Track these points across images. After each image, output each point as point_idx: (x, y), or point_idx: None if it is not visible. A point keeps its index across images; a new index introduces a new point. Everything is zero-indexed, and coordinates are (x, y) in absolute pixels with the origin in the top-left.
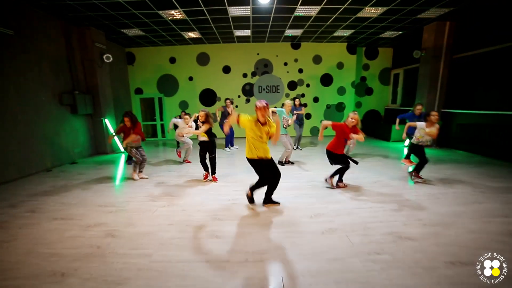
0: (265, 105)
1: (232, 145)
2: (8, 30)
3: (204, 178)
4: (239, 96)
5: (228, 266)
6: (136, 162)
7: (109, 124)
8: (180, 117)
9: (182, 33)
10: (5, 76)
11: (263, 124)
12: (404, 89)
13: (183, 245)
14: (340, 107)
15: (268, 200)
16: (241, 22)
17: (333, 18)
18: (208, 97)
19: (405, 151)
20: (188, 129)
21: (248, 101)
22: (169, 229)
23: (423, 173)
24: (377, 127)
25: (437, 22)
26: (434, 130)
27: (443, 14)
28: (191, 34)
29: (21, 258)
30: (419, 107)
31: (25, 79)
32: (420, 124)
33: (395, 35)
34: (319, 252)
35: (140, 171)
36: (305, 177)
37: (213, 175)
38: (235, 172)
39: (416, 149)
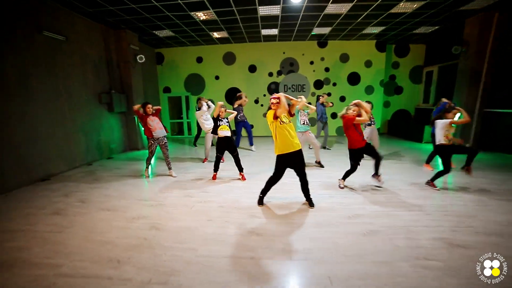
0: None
1: (251, 144)
2: (61, 37)
3: (213, 179)
4: (264, 95)
5: (273, 264)
6: (148, 159)
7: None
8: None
9: (210, 33)
10: (58, 78)
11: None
12: (438, 87)
13: (225, 241)
14: None
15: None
16: (270, 21)
17: (364, 15)
18: (233, 95)
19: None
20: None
21: None
22: (209, 225)
23: (459, 179)
24: (408, 127)
25: (484, 13)
26: (463, 114)
27: (490, 5)
28: (219, 34)
29: (81, 243)
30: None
31: (72, 80)
32: (443, 122)
33: (430, 30)
34: (363, 254)
35: (169, 168)
36: (337, 177)
37: (241, 173)
38: (260, 170)
39: (446, 153)
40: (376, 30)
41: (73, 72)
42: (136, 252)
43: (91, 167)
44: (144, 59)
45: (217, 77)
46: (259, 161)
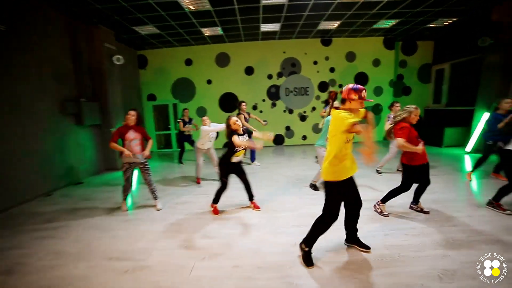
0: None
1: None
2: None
3: (214, 213)
4: (263, 100)
5: None
6: (125, 189)
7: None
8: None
9: (202, 29)
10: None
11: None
12: (451, 86)
13: None
14: (376, 109)
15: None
16: (273, 13)
17: (383, 3)
18: (228, 101)
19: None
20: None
21: (274, 105)
22: None
23: None
24: (420, 131)
25: None
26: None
27: None
28: (211, 32)
29: None
30: (508, 100)
31: (21, 84)
32: None
33: (447, 22)
34: None
35: (154, 198)
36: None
37: (253, 201)
38: (276, 192)
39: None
40: (389, 23)
41: (23, 73)
42: None
43: (49, 199)
44: (122, 60)
45: (209, 81)
46: (269, 180)
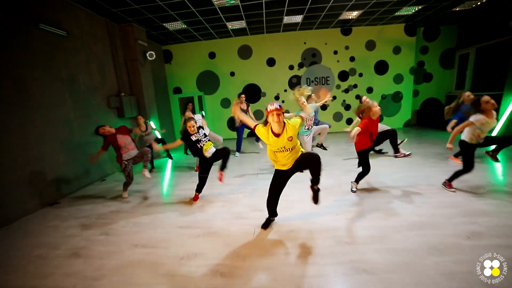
0: (278, 107)
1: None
2: (62, 32)
3: (194, 200)
4: (285, 90)
5: None
6: (127, 183)
7: (154, 126)
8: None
9: (227, 23)
10: (61, 80)
11: (278, 135)
12: (476, 71)
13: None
14: (397, 96)
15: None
16: (297, 5)
17: None
18: (252, 92)
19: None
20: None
21: None
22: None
23: None
24: (440, 117)
25: None
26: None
27: None
28: (235, 25)
29: None
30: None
31: (78, 83)
32: (478, 118)
33: (474, 5)
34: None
35: (124, 189)
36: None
37: (221, 172)
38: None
39: (470, 151)
40: (412, 9)
41: (78, 72)
42: None
43: (106, 183)
44: (154, 56)
45: (232, 73)
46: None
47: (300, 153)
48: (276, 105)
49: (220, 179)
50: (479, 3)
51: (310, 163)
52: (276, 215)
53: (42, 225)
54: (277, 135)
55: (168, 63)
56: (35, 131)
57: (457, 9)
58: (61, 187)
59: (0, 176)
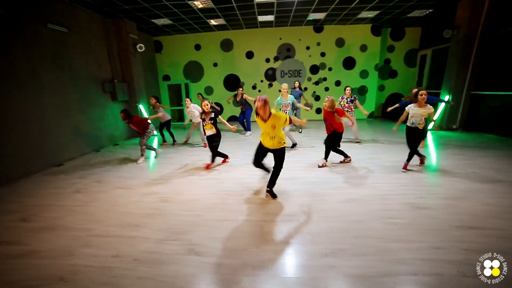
0: (263, 101)
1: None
2: (64, 28)
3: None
4: (262, 81)
5: (266, 224)
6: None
7: (143, 109)
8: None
9: (208, 20)
10: (64, 69)
11: (265, 120)
12: (431, 71)
13: (225, 209)
14: (362, 90)
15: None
16: (265, 8)
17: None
18: (231, 82)
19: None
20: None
21: (270, 85)
22: (211, 197)
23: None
24: (401, 110)
25: None
26: (425, 111)
27: None
28: (216, 21)
29: (105, 213)
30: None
31: (78, 71)
32: (409, 106)
33: (424, 13)
34: (341, 215)
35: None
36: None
37: (209, 164)
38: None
39: (410, 134)
40: (371, 14)
41: (77, 63)
42: (151, 219)
43: (100, 153)
44: (144, 48)
45: (215, 64)
46: None
47: (281, 145)
48: (263, 96)
49: (206, 167)
50: (428, 12)
51: (276, 159)
52: (268, 171)
53: (54, 177)
54: (264, 120)
55: (158, 52)
56: (45, 108)
57: (412, 15)
58: (64, 153)
59: (23, 140)
